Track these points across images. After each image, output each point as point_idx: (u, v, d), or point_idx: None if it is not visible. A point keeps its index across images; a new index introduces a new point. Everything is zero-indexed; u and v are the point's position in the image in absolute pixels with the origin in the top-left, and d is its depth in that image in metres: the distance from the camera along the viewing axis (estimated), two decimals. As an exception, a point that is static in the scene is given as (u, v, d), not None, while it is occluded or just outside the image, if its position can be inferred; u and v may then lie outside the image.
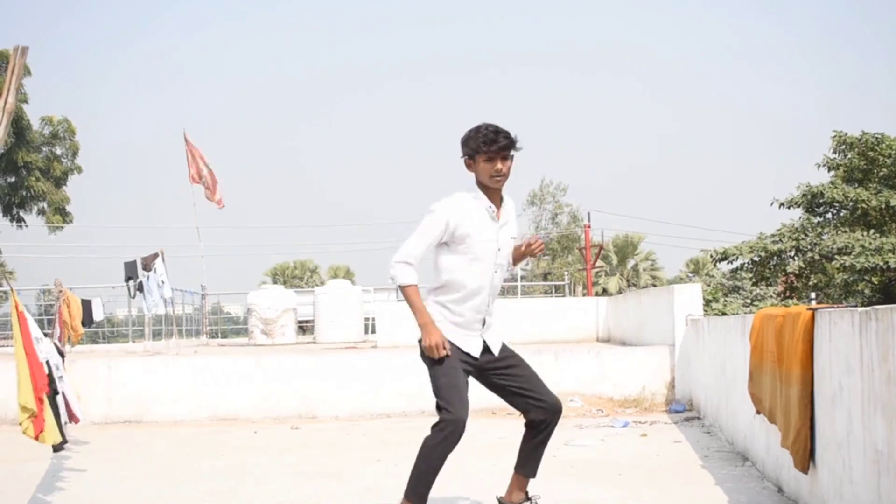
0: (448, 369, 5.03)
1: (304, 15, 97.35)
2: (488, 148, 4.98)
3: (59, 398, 7.31)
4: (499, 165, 5.01)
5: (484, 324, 5.15)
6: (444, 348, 4.97)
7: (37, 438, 5.86)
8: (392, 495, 6.25)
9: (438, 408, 4.95)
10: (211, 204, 23.56)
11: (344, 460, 8.04)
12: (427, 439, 4.96)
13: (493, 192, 5.11)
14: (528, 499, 5.31)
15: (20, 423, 5.86)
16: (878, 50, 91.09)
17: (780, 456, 5.98)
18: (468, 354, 5.11)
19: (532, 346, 12.70)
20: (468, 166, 5.10)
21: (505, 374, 5.20)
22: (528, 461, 5.31)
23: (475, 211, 5.08)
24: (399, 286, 5.11)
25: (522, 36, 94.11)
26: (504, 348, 5.25)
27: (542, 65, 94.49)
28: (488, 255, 5.09)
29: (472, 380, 5.19)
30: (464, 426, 4.92)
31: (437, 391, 5.00)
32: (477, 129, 5.05)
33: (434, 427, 4.94)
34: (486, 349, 5.17)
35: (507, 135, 5.02)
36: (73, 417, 8.32)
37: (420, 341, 5.03)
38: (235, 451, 8.71)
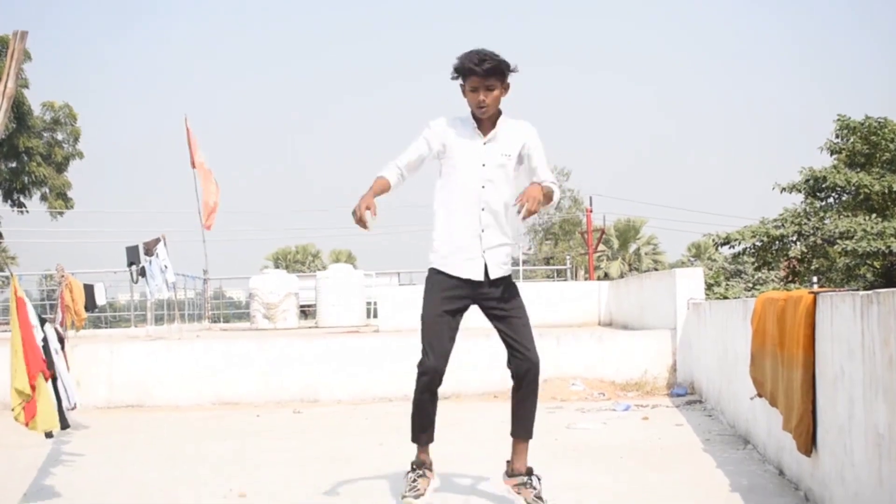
0: (433, 313, 5.15)
1: (307, 4, 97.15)
2: (475, 69, 5.00)
3: (60, 384, 7.31)
4: (481, 97, 5.05)
5: (482, 241, 5.15)
6: (363, 218, 4.87)
7: (27, 425, 5.86)
8: (394, 478, 6.27)
9: (422, 349, 5.12)
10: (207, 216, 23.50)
11: (346, 444, 8.05)
12: (415, 384, 5.19)
13: (482, 120, 5.17)
14: (529, 475, 5.28)
15: (12, 409, 5.86)
16: (883, 34, 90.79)
17: (781, 439, 5.98)
18: (468, 281, 5.15)
19: (534, 330, 12.67)
20: (462, 92, 5.16)
21: (498, 316, 5.24)
22: (516, 421, 5.34)
23: (461, 126, 5.19)
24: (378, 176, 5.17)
25: (525, 24, 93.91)
26: (510, 291, 5.26)
27: (546, 51, 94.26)
28: (472, 169, 5.13)
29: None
30: (438, 375, 5.08)
31: (422, 331, 5.13)
32: (467, 53, 5.07)
33: (417, 367, 5.13)
34: (490, 282, 5.18)
35: (492, 60, 5.01)
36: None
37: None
38: (237, 436, 8.73)
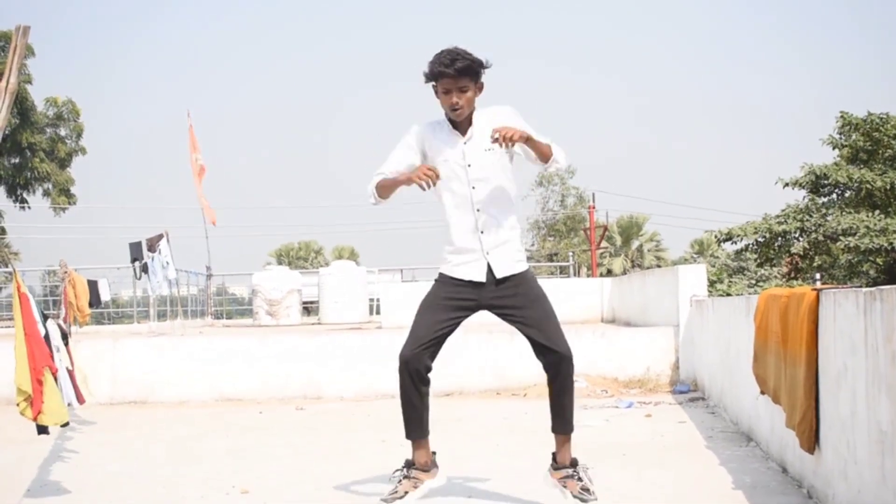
0: (425, 306, 5.12)
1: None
2: (446, 71, 4.90)
3: (62, 379, 7.30)
4: (454, 99, 4.95)
5: (482, 242, 5.07)
6: (431, 171, 4.87)
7: (35, 419, 5.87)
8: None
9: None
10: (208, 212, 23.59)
11: (349, 440, 8.06)
12: None
13: (458, 122, 5.09)
14: (574, 466, 5.19)
15: (17, 405, 5.87)
16: (884, 29, 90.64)
17: (784, 436, 5.98)
18: (470, 283, 5.07)
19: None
20: (435, 93, 5.06)
21: (513, 315, 5.13)
22: (554, 417, 5.24)
23: (440, 131, 5.10)
24: (373, 194, 5.12)
25: (524, 21, 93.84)
26: (524, 284, 5.13)
27: (546, 45, 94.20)
28: (458, 172, 5.05)
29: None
30: (409, 365, 4.99)
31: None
32: (437, 55, 4.96)
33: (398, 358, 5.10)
34: (496, 281, 5.08)
35: (464, 59, 4.91)
36: (79, 398, 8.34)
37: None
38: (240, 432, 8.73)
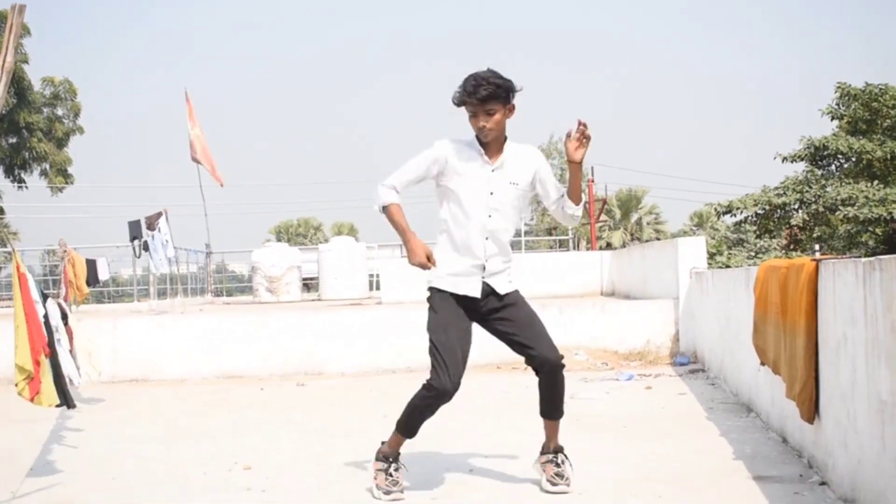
0: (443, 325, 5.05)
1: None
2: (469, 100, 4.91)
3: (63, 359, 7.29)
4: (481, 123, 4.94)
5: (484, 270, 5.07)
6: (430, 260, 4.97)
7: (32, 400, 5.86)
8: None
9: (432, 366, 4.99)
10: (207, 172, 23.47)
11: (350, 416, 8.08)
12: (416, 395, 5.08)
13: (488, 144, 5.06)
14: (555, 453, 5.26)
15: (16, 385, 5.87)
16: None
17: (784, 407, 5.99)
18: (465, 297, 5.07)
19: (536, 300, 12.68)
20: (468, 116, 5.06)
21: (502, 320, 5.14)
22: (544, 405, 5.26)
23: (467, 151, 5.07)
24: (381, 207, 5.10)
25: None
26: (511, 294, 5.17)
27: (552, 16, 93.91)
28: (479, 197, 5.03)
29: (480, 331, 5.20)
30: (450, 396, 4.97)
31: (430, 348, 5.03)
32: (465, 80, 4.96)
33: (424, 386, 5.02)
34: (491, 292, 5.10)
35: (488, 85, 4.88)
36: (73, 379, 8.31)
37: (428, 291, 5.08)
38: (242, 409, 8.75)
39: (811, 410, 5.21)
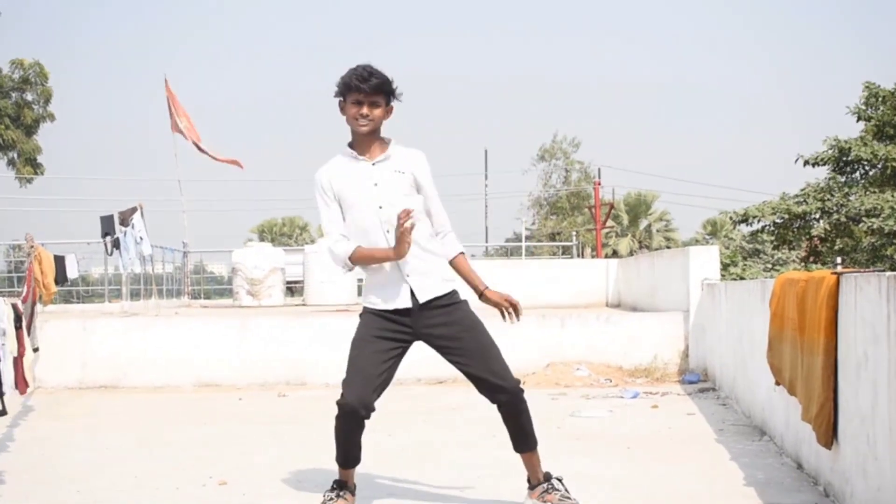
0: (357, 340, 5.08)
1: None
2: (361, 85, 4.96)
3: (2, 366, 7.25)
4: (364, 110, 5.00)
5: (400, 266, 5.03)
6: (406, 232, 4.86)
7: None
8: (384, 468, 6.30)
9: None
10: (203, 157, 23.55)
11: (332, 430, 8.05)
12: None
13: (365, 140, 5.09)
14: (548, 480, 5.27)
15: None
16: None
17: (800, 430, 6.00)
18: (395, 312, 5.04)
19: (537, 310, 12.72)
20: (341, 110, 5.12)
21: (446, 342, 5.11)
22: (515, 438, 5.26)
23: (343, 160, 5.17)
24: (348, 262, 5.10)
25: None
26: (455, 312, 5.10)
27: (558, 16, 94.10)
28: (364, 193, 5.06)
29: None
30: (358, 415, 5.01)
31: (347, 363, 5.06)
32: (352, 69, 5.04)
33: (337, 403, 5.05)
34: (426, 303, 5.05)
35: (380, 76, 5.01)
36: (21, 386, 8.25)
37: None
38: (218, 420, 8.75)
39: (828, 434, 5.22)
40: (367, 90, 4.97)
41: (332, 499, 5.19)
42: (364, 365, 4.99)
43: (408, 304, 5.04)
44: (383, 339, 5.04)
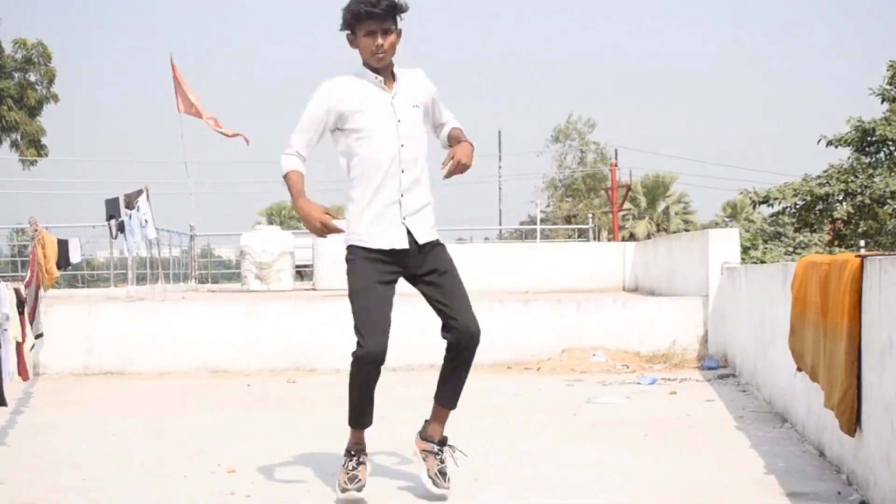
0: (363, 289, 5.08)
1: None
2: (373, 10, 4.89)
3: (4, 352, 7.27)
4: (379, 40, 4.94)
5: (402, 207, 5.07)
6: (329, 225, 5.00)
7: None
8: (396, 456, 6.30)
9: (356, 335, 5.04)
10: (219, 135, 23.53)
11: (344, 417, 8.05)
12: (349, 378, 5.18)
13: (382, 71, 5.08)
14: (441, 445, 5.32)
15: None
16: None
17: (822, 417, 5.98)
18: (391, 252, 5.07)
19: (552, 294, 12.70)
20: (351, 43, 5.08)
21: (428, 282, 5.17)
22: (442, 387, 5.34)
23: (360, 83, 5.09)
24: (283, 177, 5.13)
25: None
26: (439, 254, 5.19)
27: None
28: (387, 129, 5.04)
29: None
30: (379, 358, 5.04)
31: (353, 315, 5.07)
32: None
33: (352, 362, 5.08)
34: (417, 245, 5.11)
35: (388, 1, 4.93)
36: (23, 373, 8.28)
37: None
38: (226, 406, 8.77)
39: (852, 421, 5.20)
40: (380, 14, 4.91)
41: (355, 467, 5.21)
42: (376, 313, 5.03)
43: (405, 244, 5.08)
44: (384, 283, 5.09)
